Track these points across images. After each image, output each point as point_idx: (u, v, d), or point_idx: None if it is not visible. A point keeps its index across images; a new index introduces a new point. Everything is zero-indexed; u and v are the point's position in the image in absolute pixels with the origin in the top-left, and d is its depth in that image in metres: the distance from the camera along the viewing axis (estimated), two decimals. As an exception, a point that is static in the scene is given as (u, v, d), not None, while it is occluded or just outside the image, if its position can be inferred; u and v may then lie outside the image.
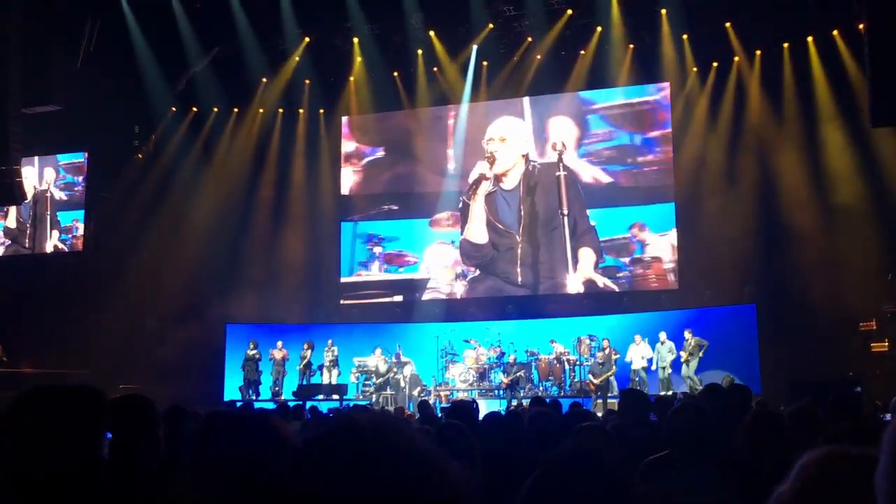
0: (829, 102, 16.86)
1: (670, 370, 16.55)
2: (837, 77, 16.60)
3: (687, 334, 16.58)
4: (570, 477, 1.62)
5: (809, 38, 17.07)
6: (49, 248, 20.47)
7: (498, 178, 19.24)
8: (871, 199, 16.00)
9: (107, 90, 18.17)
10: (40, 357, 17.13)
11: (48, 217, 20.56)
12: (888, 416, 5.49)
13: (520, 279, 18.81)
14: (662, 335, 16.80)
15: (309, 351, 18.55)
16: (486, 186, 19.21)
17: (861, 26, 12.90)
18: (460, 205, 19.50)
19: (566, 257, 18.51)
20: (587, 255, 18.41)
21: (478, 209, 19.16)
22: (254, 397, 18.01)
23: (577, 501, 1.59)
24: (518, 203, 18.93)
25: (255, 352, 18.58)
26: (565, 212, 18.59)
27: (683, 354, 16.49)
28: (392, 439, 1.02)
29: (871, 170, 16.07)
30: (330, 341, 18.62)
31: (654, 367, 16.68)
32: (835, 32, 16.64)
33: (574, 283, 18.52)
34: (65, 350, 17.57)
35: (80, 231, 20.15)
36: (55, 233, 20.52)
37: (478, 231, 19.12)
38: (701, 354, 16.38)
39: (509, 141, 19.26)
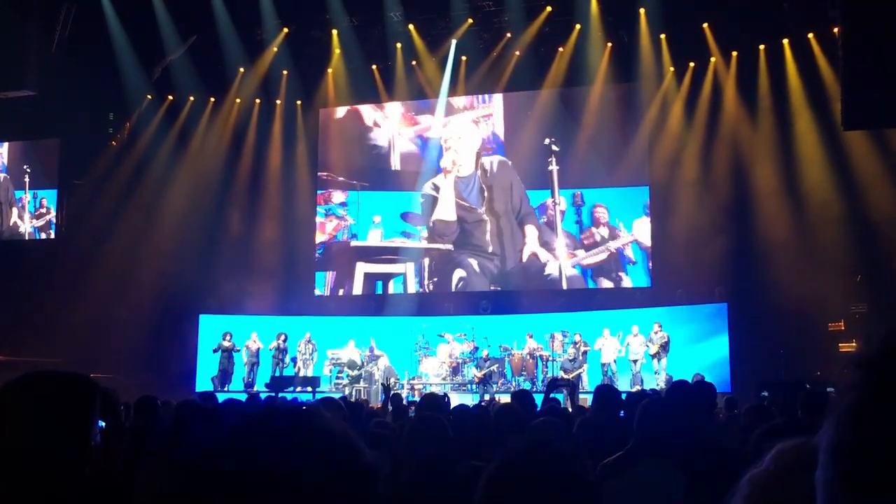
0: (803, 104, 17.01)
1: (644, 361, 16.75)
2: (812, 79, 16.77)
3: (656, 327, 16.77)
4: (528, 469, 1.63)
5: (785, 41, 17.22)
6: (22, 229, 20.53)
7: (457, 167, 20.14)
8: (842, 200, 16.19)
9: (81, 76, 17.95)
10: (9, 345, 16.96)
11: (16, 199, 20.69)
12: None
13: (490, 248, 19.61)
14: (635, 328, 17.01)
15: (283, 343, 18.54)
16: (450, 172, 20.10)
17: (836, 30, 13.03)
18: (421, 198, 20.12)
19: (548, 239, 19.29)
20: (532, 231, 19.35)
21: (447, 191, 19.99)
22: (225, 388, 17.94)
23: (535, 493, 1.61)
24: (477, 186, 19.87)
25: (229, 343, 18.53)
26: (558, 203, 19.17)
27: (653, 348, 16.66)
28: (308, 420, 1.10)
29: (843, 171, 16.25)
30: (308, 334, 18.62)
31: (624, 355, 16.94)
32: (810, 35, 16.80)
33: (557, 264, 19.18)
34: (35, 338, 17.41)
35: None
36: (15, 211, 20.60)
37: (447, 210, 19.95)
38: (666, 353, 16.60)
39: (464, 138, 20.05)
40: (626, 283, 18.82)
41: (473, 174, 19.90)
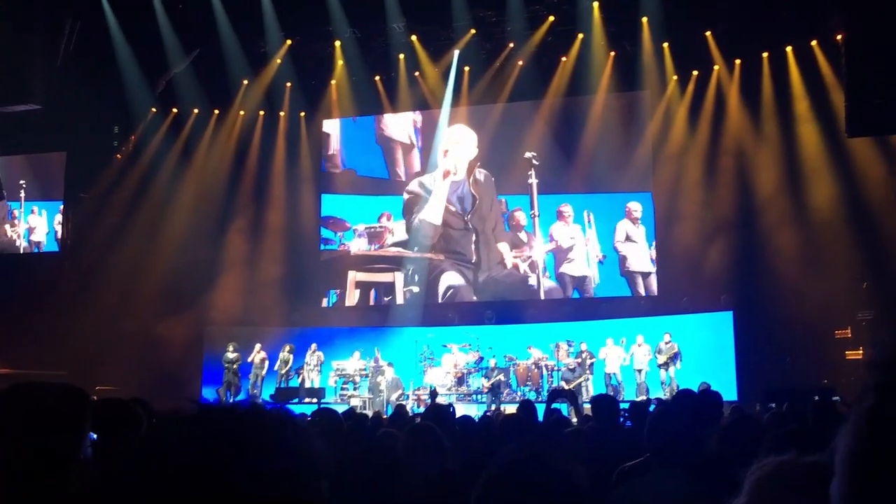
0: (806, 112, 17.01)
1: (648, 370, 16.72)
2: (815, 87, 16.76)
3: (666, 337, 16.72)
4: (516, 478, 1.64)
5: (788, 48, 17.23)
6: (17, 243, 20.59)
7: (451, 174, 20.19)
8: (847, 208, 16.17)
9: (86, 90, 17.99)
10: (15, 357, 16.96)
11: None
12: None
13: (473, 258, 19.68)
14: (640, 338, 16.96)
15: (290, 354, 18.56)
16: (448, 176, 20.16)
17: (839, 37, 13.04)
18: (406, 194, 20.22)
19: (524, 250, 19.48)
20: (505, 247, 19.55)
21: (440, 194, 20.05)
22: (231, 400, 17.92)
23: (526, 500, 1.62)
24: (468, 193, 19.94)
25: (235, 354, 18.53)
26: (536, 213, 19.28)
27: (661, 358, 16.62)
28: (261, 430, 1.04)
29: (848, 178, 16.23)
30: (314, 345, 18.62)
31: (629, 364, 16.91)
32: (813, 43, 16.80)
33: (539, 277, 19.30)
34: (41, 350, 17.41)
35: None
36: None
37: (435, 213, 20.01)
38: (678, 365, 16.51)
39: (462, 143, 20.08)
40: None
41: (463, 181, 19.94)
